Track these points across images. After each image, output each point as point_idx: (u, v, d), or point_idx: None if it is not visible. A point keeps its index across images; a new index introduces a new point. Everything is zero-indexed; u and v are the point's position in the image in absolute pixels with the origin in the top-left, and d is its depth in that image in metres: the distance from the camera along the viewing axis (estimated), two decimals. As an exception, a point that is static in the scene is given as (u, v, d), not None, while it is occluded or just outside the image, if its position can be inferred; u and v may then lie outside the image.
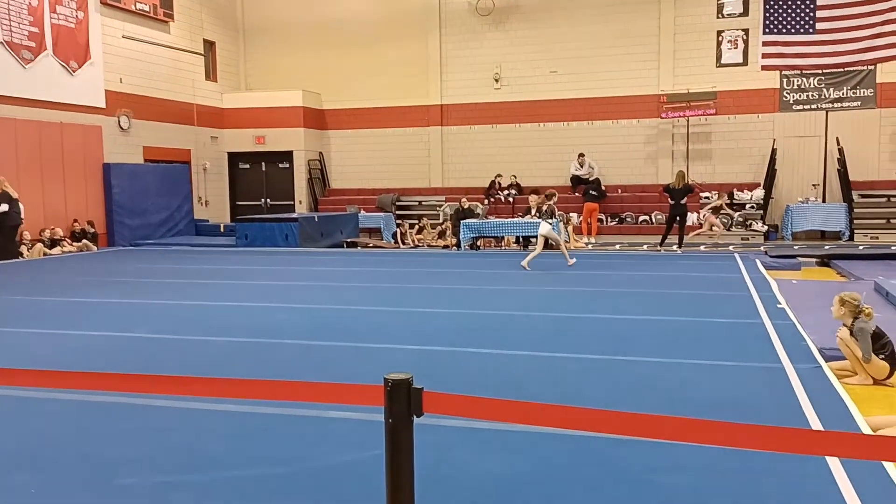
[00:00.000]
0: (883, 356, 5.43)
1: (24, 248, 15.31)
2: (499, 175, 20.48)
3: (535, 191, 19.16)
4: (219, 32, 22.45)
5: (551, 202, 13.02)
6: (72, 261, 14.81)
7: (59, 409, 4.84)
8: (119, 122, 18.66)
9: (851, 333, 5.52)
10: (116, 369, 5.67)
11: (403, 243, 18.37)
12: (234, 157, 22.81)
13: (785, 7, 17.00)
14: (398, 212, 20.98)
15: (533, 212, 16.49)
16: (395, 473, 2.28)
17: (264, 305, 9.04)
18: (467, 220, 16.50)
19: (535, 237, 16.25)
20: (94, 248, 16.87)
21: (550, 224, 12.66)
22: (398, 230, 18.85)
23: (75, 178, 17.27)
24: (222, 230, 20.02)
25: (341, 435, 4.27)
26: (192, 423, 4.53)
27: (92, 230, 17.15)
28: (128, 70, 18.86)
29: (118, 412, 4.73)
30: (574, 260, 12.66)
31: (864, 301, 5.64)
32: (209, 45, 22.12)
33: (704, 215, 17.30)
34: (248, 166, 22.84)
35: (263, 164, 22.67)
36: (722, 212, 17.31)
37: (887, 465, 3.61)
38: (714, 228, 16.76)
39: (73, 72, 17.27)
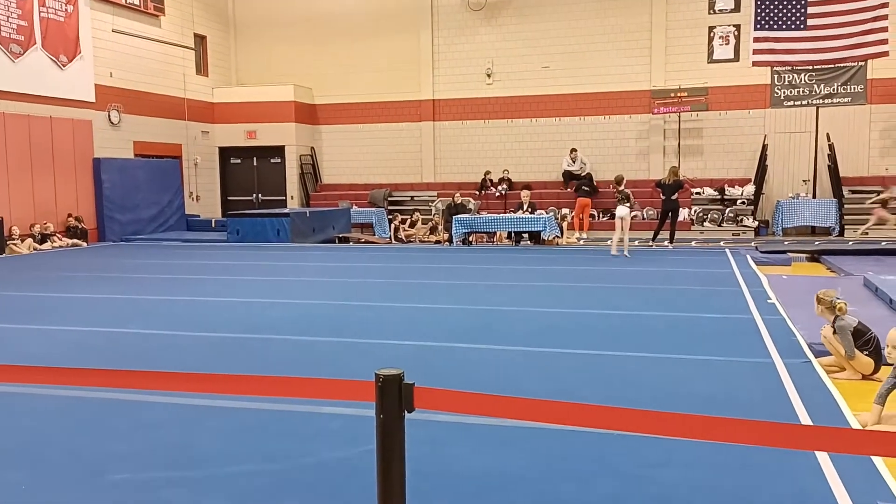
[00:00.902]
0: (867, 351, 5.45)
1: (14, 244, 15.21)
2: (488, 172, 20.51)
3: (527, 186, 19.24)
4: (210, 27, 22.35)
5: (622, 186, 13.51)
6: (62, 256, 14.75)
7: (50, 406, 4.82)
8: (109, 116, 18.57)
9: (835, 332, 5.55)
10: (107, 365, 5.65)
11: (396, 238, 18.36)
12: (225, 152, 22.72)
13: (776, 3, 17.05)
14: (390, 207, 20.97)
15: (525, 207, 16.54)
16: (386, 469, 2.28)
17: (255, 301, 9.03)
18: (459, 216, 16.50)
19: (527, 233, 16.36)
20: (84, 243, 16.79)
21: (628, 207, 13.45)
22: (394, 224, 18.83)
23: (65, 173, 17.18)
24: (213, 225, 19.96)
25: (333, 431, 4.28)
26: (184, 420, 4.53)
27: (81, 226, 17.07)
28: (118, 64, 18.75)
29: (109, 408, 4.72)
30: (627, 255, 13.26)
31: (841, 295, 5.67)
32: (200, 40, 22.02)
33: (873, 209, 17.06)
34: (239, 161, 22.77)
35: (255, 159, 22.59)
36: (889, 206, 16.99)
37: (875, 459, 3.64)
38: (886, 222, 16.56)
39: (63, 66, 17.17)
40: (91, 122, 17.93)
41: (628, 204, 13.49)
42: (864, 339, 5.46)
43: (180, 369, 5.43)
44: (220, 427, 4.41)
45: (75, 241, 16.60)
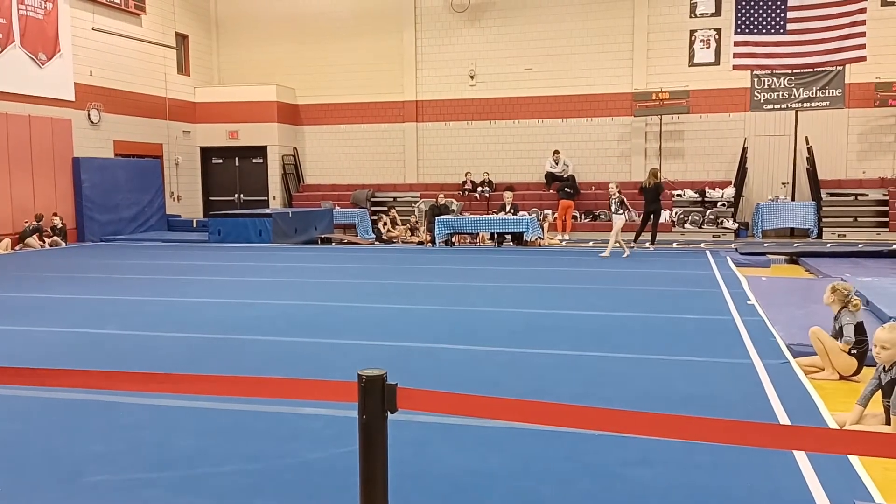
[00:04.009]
0: (854, 352, 5.51)
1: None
2: (468, 172, 20.56)
3: (510, 187, 19.30)
4: (191, 25, 22.21)
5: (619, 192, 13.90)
6: (40, 256, 14.58)
7: (27, 407, 4.77)
8: (89, 115, 18.39)
9: (838, 327, 5.60)
10: (85, 366, 5.59)
11: (381, 240, 18.32)
12: (206, 152, 22.59)
13: (756, 7, 17.20)
14: (373, 208, 20.94)
15: (508, 208, 16.58)
16: (368, 469, 2.28)
17: (237, 301, 8.98)
18: (442, 217, 16.50)
19: (509, 234, 16.40)
20: (63, 243, 16.62)
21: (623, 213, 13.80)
22: (378, 224, 18.81)
23: (44, 173, 16.99)
24: (195, 226, 19.83)
25: (315, 431, 4.26)
26: (163, 420, 4.49)
27: (61, 224, 16.90)
28: (98, 63, 18.58)
29: (87, 409, 4.68)
30: (607, 254, 13.52)
31: (859, 292, 5.73)
32: (182, 39, 21.87)
33: None
34: (221, 161, 22.64)
35: (237, 159, 22.48)
36: None
37: (853, 459, 3.69)
38: None
39: (42, 64, 16.98)
40: (70, 121, 17.75)
41: (622, 211, 13.78)
42: (858, 338, 5.51)
43: (159, 370, 5.39)
44: (199, 428, 4.38)
45: (55, 238, 16.43)
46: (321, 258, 14.33)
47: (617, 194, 13.80)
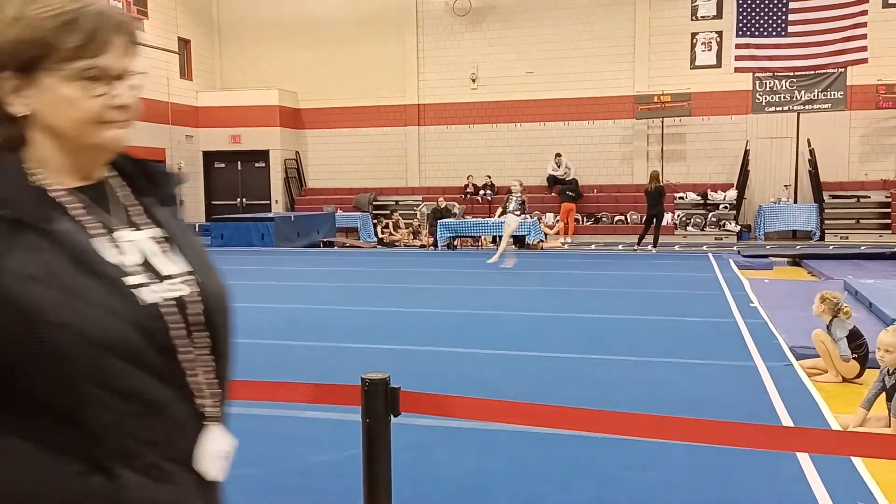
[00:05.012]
0: (856, 356, 5.51)
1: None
2: (470, 176, 20.57)
3: (510, 190, 19.29)
4: (193, 30, 22.25)
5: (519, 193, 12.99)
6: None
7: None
8: (91, 120, 18.41)
9: (829, 332, 5.60)
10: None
11: (383, 243, 18.34)
12: (209, 157, 22.60)
13: (757, 10, 17.20)
14: (375, 211, 20.95)
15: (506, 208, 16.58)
16: (372, 473, 2.28)
17: (239, 305, 8.92)
18: (444, 220, 16.51)
19: (512, 237, 16.38)
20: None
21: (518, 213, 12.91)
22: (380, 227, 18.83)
23: (47, 177, 17.02)
24: (197, 230, 19.83)
25: (317, 435, 4.26)
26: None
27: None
28: (100, 67, 18.59)
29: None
30: (504, 261, 12.53)
31: (846, 301, 5.73)
32: (184, 43, 21.90)
33: None
34: (223, 165, 22.66)
35: (239, 163, 22.50)
36: None
37: (856, 460, 3.68)
38: None
39: (45, 69, 17.01)
40: (73, 126, 17.76)
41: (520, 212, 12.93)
42: (855, 343, 5.51)
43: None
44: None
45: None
46: (323, 262, 14.35)
47: (519, 194, 12.98)
